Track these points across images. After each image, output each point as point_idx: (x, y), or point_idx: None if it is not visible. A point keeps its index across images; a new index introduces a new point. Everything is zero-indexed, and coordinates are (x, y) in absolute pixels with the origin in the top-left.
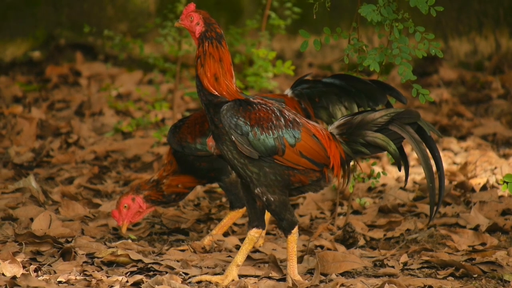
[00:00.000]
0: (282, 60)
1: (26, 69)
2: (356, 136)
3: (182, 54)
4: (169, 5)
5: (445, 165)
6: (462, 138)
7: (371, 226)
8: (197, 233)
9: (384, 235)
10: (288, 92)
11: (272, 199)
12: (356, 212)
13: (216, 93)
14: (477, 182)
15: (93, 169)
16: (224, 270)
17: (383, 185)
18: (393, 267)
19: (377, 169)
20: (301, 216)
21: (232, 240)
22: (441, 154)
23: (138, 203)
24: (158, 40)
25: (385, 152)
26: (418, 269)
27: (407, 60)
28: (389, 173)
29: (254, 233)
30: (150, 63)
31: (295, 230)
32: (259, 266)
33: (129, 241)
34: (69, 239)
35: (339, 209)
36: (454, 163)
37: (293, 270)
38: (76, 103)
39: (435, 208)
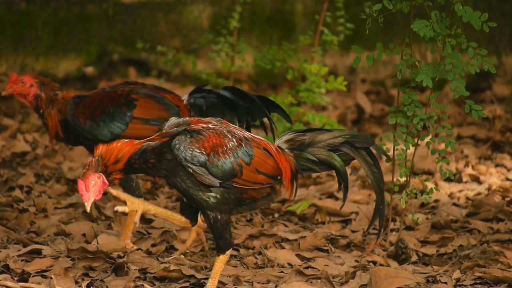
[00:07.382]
0: (335, 76)
1: (80, 85)
2: (308, 153)
3: (235, 69)
4: (222, 20)
5: (498, 181)
6: None
7: (424, 242)
8: (250, 249)
9: (437, 251)
10: (185, 98)
11: (219, 217)
12: (408, 228)
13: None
14: None
15: (145, 184)
16: (276, 286)
17: (436, 201)
18: (446, 283)
19: (429, 185)
20: (353, 232)
21: (285, 255)
22: (494, 170)
23: None
24: (211, 56)
25: (437, 168)
26: (471, 285)
27: (460, 76)
28: (441, 189)
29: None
30: (203, 79)
31: (229, 252)
32: (311, 282)
33: (182, 256)
34: (122, 255)
35: (391, 225)
36: (507, 179)
37: None
38: None
39: (378, 227)
